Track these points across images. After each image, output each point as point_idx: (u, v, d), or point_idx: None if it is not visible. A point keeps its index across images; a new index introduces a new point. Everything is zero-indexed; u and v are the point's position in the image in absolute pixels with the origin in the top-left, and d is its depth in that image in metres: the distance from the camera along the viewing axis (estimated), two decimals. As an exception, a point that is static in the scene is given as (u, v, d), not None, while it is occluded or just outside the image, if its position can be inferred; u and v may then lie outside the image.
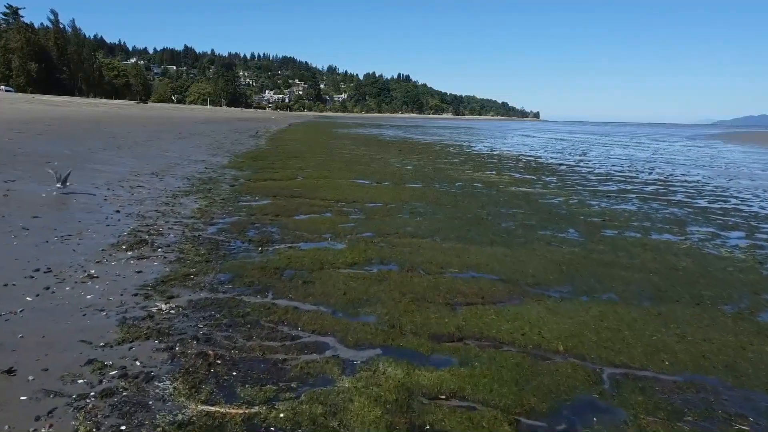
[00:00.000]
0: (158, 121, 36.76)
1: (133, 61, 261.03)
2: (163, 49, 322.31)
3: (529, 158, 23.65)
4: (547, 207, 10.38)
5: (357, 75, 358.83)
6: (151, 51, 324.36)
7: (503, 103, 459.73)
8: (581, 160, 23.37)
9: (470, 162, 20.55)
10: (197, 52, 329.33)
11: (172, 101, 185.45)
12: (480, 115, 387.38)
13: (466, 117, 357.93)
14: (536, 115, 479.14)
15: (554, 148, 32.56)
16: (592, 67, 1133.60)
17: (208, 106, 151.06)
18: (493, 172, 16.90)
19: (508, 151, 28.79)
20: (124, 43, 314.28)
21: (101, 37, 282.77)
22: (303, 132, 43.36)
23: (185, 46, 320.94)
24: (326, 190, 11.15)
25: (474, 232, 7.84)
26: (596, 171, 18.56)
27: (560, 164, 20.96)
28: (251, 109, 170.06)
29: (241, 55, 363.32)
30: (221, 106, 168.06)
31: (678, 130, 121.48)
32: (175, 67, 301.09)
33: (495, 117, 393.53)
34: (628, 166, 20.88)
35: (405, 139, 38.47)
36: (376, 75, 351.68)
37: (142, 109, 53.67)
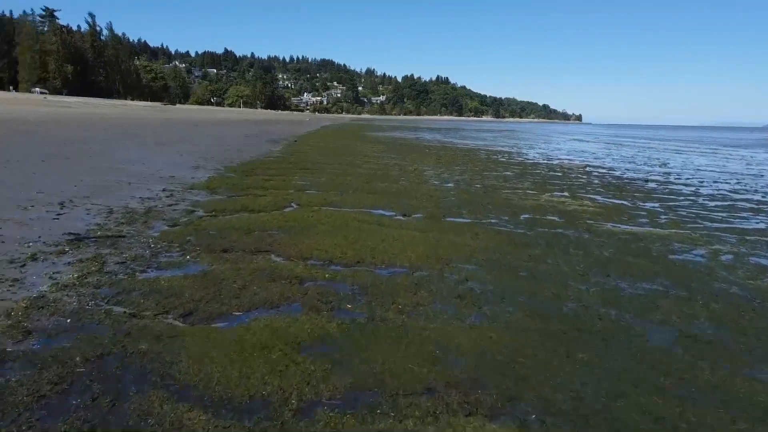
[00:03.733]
0: (167, 123, 33.36)
1: (174, 64, 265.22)
2: (204, 53, 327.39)
3: (601, 171, 18.91)
4: (696, 276, 5.84)
5: (395, 77, 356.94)
6: (192, 54, 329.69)
7: (544, 105, 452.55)
8: (668, 174, 18.50)
9: (528, 176, 16.01)
10: (237, 55, 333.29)
11: (211, 103, 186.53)
12: (520, 117, 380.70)
13: (507, 119, 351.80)
14: (578, 118, 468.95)
15: (621, 156, 27.56)
16: (636, 67, 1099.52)
17: (241, 108, 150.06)
18: (565, 194, 12.38)
19: (568, 159, 24.02)
20: (167, 47, 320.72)
21: (145, 41, 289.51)
22: (331, 136, 39.38)
23: (225, 50, 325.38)
24: (319, 234, 6.89)
25: (597, 371, 3.46)
26: (702, 191, 13.79)
27: (645, 180, 16.21)
28: (287, 112, 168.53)
29: (280, 58, 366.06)
30: (257, 108, 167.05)
31: (737, 134, 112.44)
32: (215, 70, 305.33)
33: (536, 119, 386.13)
34: (737, 183, 15.96)
35: (444, 144, 34.02)
36: (415, 77, 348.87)
37: (161, 111, 50.77)
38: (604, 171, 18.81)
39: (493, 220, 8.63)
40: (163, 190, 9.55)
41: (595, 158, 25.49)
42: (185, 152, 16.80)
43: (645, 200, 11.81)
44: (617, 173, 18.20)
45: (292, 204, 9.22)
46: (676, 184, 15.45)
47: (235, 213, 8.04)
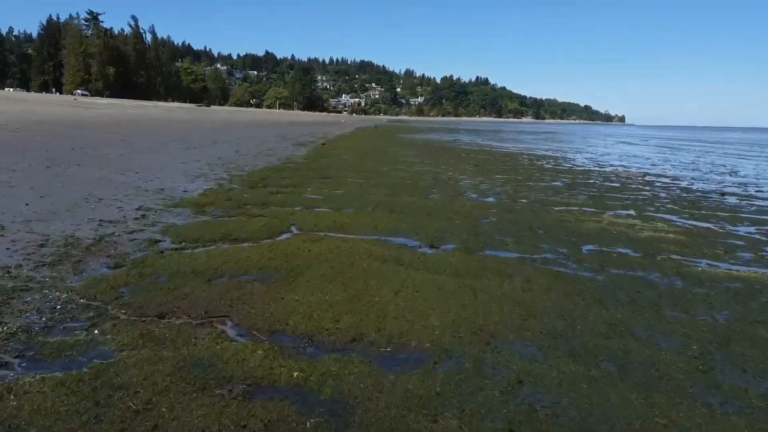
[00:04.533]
0: (193, 125, 32.21)
1: (215, 66, 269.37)
2: (246, 55, 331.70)
3: (664, 180, 16.47)
4: None
5: (434, 78, 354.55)
6: (234, 57, 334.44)
7: (586, 106, 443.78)
8: (745, 185, 15.96)
9: (581, 187, 13.79)
10: (278, 57, 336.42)
11: (250, 104, 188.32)
12: (561, 118, 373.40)
13: (547, 121, 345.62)
14: (621, 119, 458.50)
15: (681, 162, 24.81)
16: (682, 67, 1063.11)
17: (277, 110, 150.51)
18: (631, 212, 10.19)
19: (622, 166, 21.53)
20: (210, 49, 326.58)
21: (188, 44, 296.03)
22: (363, 138, 37.61)
23: (266, 52, 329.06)
24: (310, 282, 5.02)
25: None
26: (800, 209, 11.37)
27: (721, 193, 13.79)
28: (324, 113, 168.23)
29: (320, 60, 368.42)
30: (294, 109, 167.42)
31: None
32: (255, 72, 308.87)
33: (577, 121, 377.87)
34: (835, 198, 13.36)
35: (483, 148, 31.79)
36: (454, 78, 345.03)
37: (193, 112, 49.99)
38: (667, 181, 16.38)
39: (548, 255, 6.58)
40: (138, 208, 7.85)
41: (651, 165, 22.86)
42: (195, 158, 15.24)
43: (733, 222, 9.51)
44: (683, 183, 15.75)
45: (292, 228, 7.38)
46: (761, 198, 13.00)
47: (211, 244, 6.23)
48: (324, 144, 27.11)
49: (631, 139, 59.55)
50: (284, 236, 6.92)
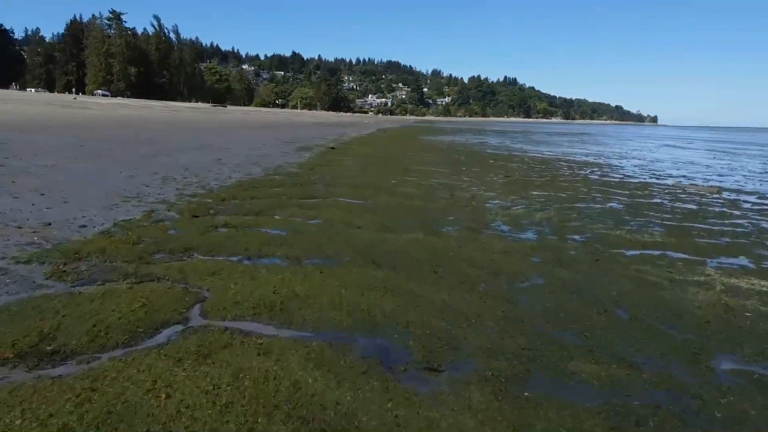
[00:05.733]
0: (197, 126, 29.46)
1: (244, 66, 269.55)
2: (273, 55, 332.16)
3: (749, 199, 12.86)
4: None
5: (461, 78, 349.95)
6: (262, 57, 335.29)
7: (617, 106, 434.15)
8: None
9: (650, 213, 10.31)
10: (304, 57, 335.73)
11: (276, 105, 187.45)
12: (591, 119, 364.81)
13: (577, 121, 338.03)
14: (654, 119, 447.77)
15: (750, 171, 20.94)
16: (714, 67, 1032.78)
17: (299, 110, 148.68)
18: (745, 263, 6.85)
19: (683, 177, 17.84)
20: (237, 50, 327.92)
21: (217, 44, 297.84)
22: (380, 141, 34.38)
23: (293, 52, 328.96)
24: None
25: None
26: None
27: (842, 220, 10.21)
28: (349, 114, 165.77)
29: (347, 60, 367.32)
30: (317, 110, 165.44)
31: None
32: (282, 73, 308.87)
33: (608, 121, 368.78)
34: None
35: (513, 153, 28.23)
36: (481, 78, 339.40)
37: (208, 113, 47.52)
38: (754, 200, 12.79)
39: (660, 398, 3.28)
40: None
41: (718, 175, 19.06)
42: (153, 168, 12.26)
43: None
44: (780, 205, 12.15)
45: (192, 312, 4.23)
46: None
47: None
48: (333, 148, 24.00)
49: (673, 141, 55.03)
50: (162, 336, 3.77)
